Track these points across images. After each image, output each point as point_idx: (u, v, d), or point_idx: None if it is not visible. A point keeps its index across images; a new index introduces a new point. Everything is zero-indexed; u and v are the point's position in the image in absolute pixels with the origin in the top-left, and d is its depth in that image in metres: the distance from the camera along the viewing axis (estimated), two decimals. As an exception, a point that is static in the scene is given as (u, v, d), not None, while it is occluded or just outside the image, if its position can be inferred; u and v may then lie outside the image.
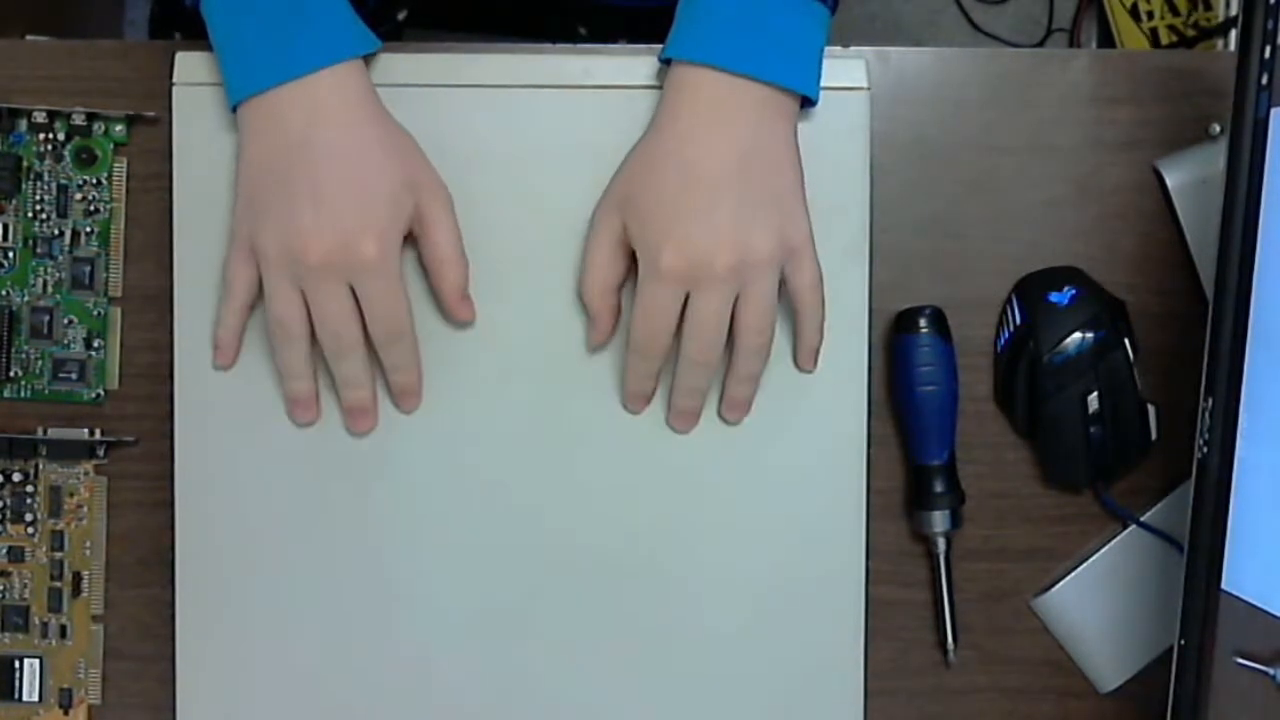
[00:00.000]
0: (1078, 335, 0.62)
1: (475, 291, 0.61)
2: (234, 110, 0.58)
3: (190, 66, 0.61)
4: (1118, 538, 0.65)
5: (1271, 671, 0.49)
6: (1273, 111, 0.50)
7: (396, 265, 0.57)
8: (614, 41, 0.77)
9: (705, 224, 0.55)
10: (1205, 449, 0.52)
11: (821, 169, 0.60)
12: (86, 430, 0.64)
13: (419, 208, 0.58)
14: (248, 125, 0.57)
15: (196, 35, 0.59)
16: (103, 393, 0.64)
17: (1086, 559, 0.65)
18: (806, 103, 0.59)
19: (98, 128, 0.64)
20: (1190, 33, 1.49)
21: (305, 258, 0.55)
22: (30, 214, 0.64)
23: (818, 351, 0.61)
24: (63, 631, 0.64)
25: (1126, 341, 0.63)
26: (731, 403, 0.61)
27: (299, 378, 0.60)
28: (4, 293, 0.64)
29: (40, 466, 0.64)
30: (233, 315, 0.60)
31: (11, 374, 0.64)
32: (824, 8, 0.58)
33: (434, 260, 0.59)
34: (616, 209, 0.58)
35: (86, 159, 0.64)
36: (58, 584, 0.64)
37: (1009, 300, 0.64)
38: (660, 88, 0.59)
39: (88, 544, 0.64)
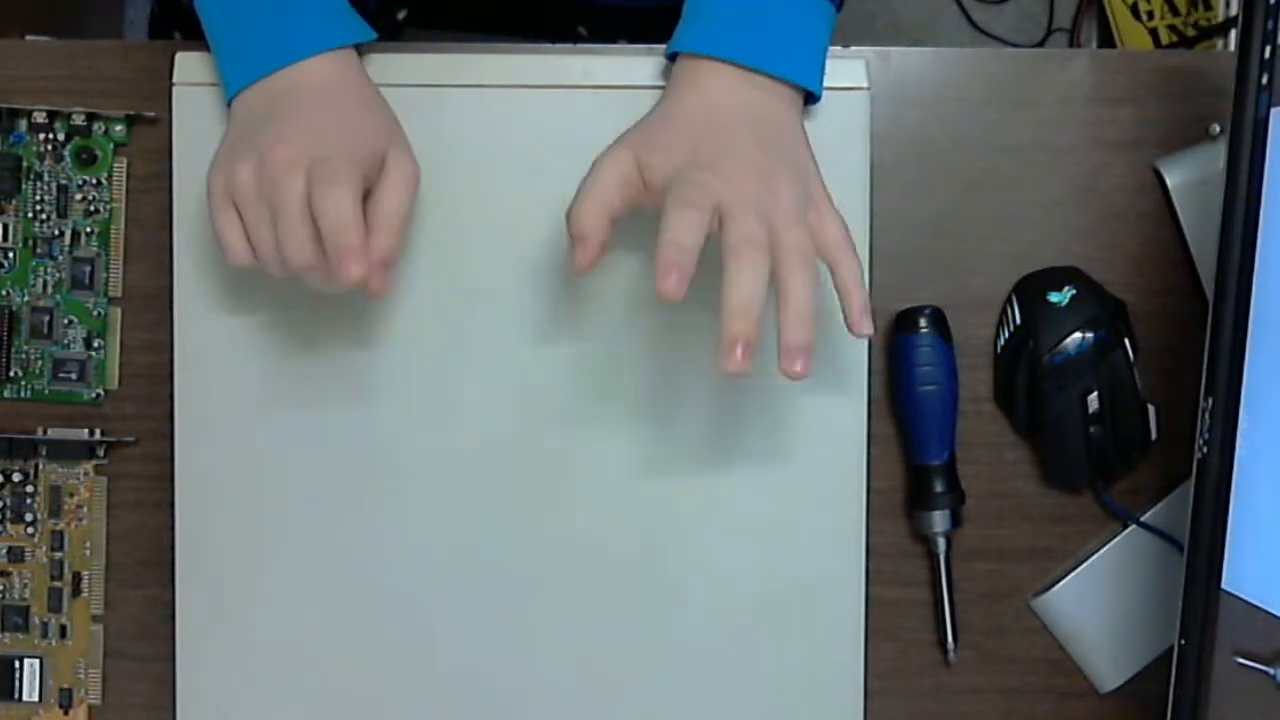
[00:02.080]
0: (1077, 335, 0.62)
1: (476, 291, 0.61)
2: (229, 107, 0.58)
3: (190, 66, 0.61)
4: (1118, 538, 0.65)
5: (1271, 671, 0.49)
6: (1273, 111, 0.50)
7: (355, 161, 0.53)
8: (614, 41, 0.77)
9: (728, 156, 0.53)
10: (1205, 449, 0.52)
11: (821, 169, 0.59)
12: (86, 430, 0.64)
13: (386, 163, 0.55)
14: (235, 106, 0.57)
15: (196, 35, 0.59)
16: (103, 393, 0.64)
17: (1086, 559, 0.65)
18: (809, 99, 0.59)
19: (98, 128, 0.64)
20: (1190, 33, 1.49)
21: (273, 156, 0.52)
22: (30, 214, 0.64)
23: (867, 307, 0.54)
24: (63, 631, 0.64)
25: (1126, 341, 0.63)
26: (792, 348, 0.51)
27: (303, 256, 0.53)
28: (4, 293, 0.64)
29: (40, 466, 0.64)
30: (246, 260, 0.55)
31: (11, 374, 0.64)
32: (830, 5, 0.58)
33: (373, 213, 0.54)
34: (628, 148, 0.55)
35: (86, 159, 0.64)
36: (58, 584, 0.64)
37: (1009, 300, 0.64)
38: (662, 88, 0.59)
39: (88, 544, 0.64)
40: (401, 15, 0.80)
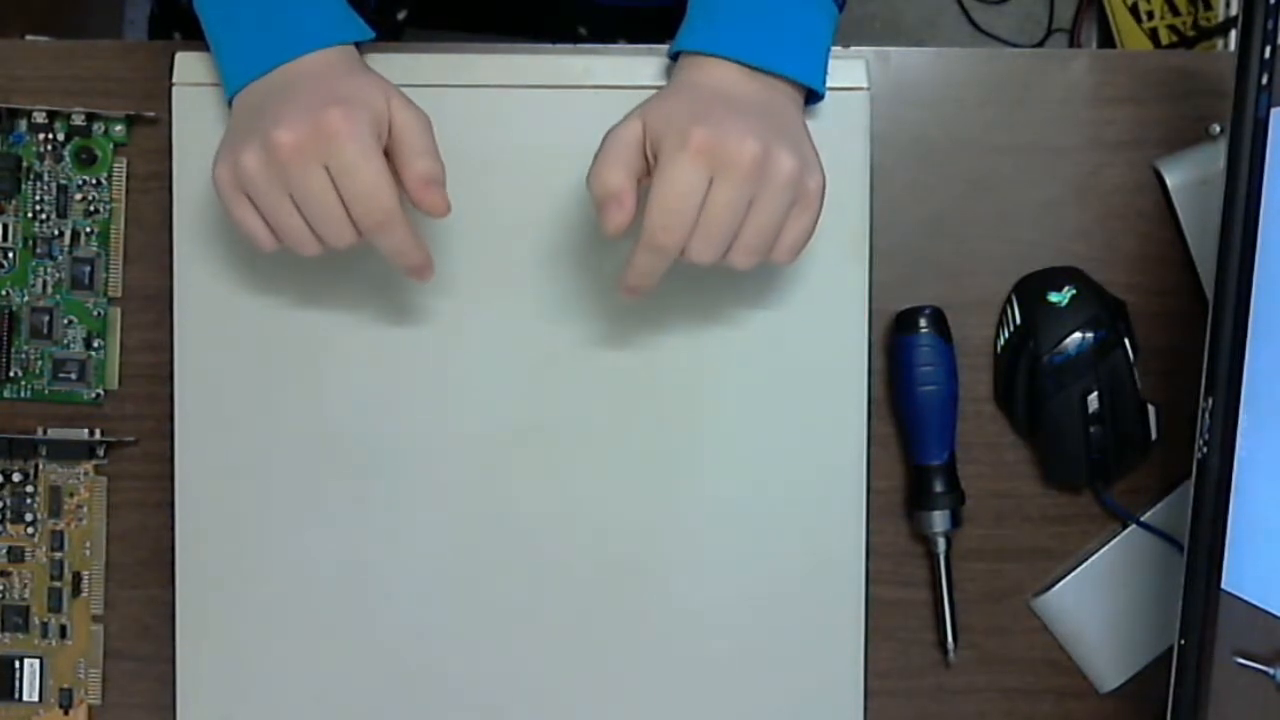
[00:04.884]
0: (1077, 335, 0.62)
1: (477, 292, 0.61)
2: (230, 105, 0.58)
3: (190, 66, 0.61)
4: (1118, 538, 0.65)
5: (1271, 671, 0.49)
6: (1273, 111, 0.50)
7: (368, 140, 0.53)
8: (614, 41, 0.77)
9: (733, 122, 0.53)
10: (1205, 449, 0.52)
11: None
12: (86, 430, 0.64)
13: (393, 115, 0.55)
14: (235, 104, 0.57)
15: (196, 35, 0.59)
16: (103, 393, 0.64)
17: (1086, 559, 0.65)
18: (811, 98, 0.59)
19: (97, 128, 0.64)
20: (1190, 33, 1.49)
21: (278, 146, 0.52)
22: (30, 214, 0.64)
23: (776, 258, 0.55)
24: (63, 631, 0.64)
25: (1126, 341, 0.63)
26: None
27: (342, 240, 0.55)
28: (4, 293, 0.64)
29: (40, 466, 0.64)
30: (272, 247, 0.56)
31: (11, 374, 0.64)
32: (833, 3, 0.58)
33: (401, 153, 0.55)
34: (638, 116, 0.55)
35: (86, 159, 0.64)
36: (58, 584, 0.64)
37: (1008, 300, 0.64)
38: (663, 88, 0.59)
39: (88, 544, 0.64)
40: (401, 15, 0.80)
